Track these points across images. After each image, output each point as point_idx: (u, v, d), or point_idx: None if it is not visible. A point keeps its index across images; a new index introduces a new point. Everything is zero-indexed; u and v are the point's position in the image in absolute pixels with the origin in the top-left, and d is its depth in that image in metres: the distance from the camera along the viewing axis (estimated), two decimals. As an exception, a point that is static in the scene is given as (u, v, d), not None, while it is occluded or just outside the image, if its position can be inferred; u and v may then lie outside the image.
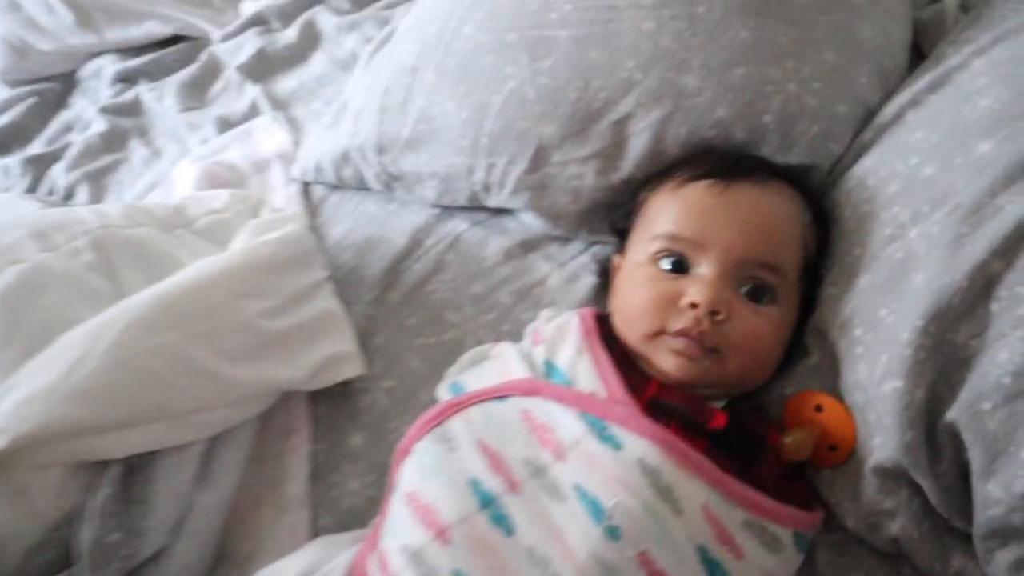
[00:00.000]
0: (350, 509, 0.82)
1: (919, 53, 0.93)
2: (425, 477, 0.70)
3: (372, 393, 0.89)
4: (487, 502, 0.67)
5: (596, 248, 0.94)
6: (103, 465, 0.76)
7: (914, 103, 0.81)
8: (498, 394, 0.74)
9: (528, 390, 0.74)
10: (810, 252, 0.80)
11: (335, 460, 0.86)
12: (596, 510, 0.65)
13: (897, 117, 0.81)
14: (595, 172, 0.87)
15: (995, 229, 0.66)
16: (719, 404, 0.76)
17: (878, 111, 0.84)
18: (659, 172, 0.85)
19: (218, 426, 0.81)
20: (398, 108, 0.97)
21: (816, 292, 0.81)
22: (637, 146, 0.85)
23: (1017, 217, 0.65)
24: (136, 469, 0.78)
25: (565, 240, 0.96)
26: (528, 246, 0.96)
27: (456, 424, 0.73)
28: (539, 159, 0.89)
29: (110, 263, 0.87)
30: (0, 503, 0.73)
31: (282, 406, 0.88)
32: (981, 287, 0.65)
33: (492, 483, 0.68)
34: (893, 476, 0.70)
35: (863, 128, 0.84)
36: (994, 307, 0.65)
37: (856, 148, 0.84)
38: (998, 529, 0.66)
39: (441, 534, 0.66)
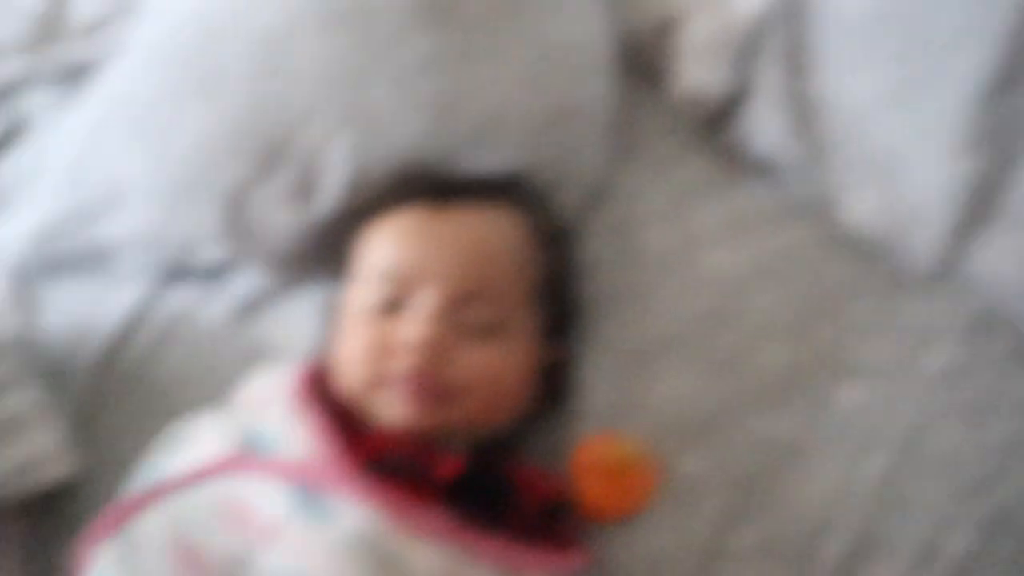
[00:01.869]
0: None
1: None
2: None
3: (89, 495, 0.77)
4: None
5: (323, 295, 0.84)
6: None
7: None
8: (192, 480, 0.63)
9: (227, 467, 0.63)
10: (544, 275, 0.73)
11: (52, 579, 0.74)
12: None
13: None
14: (295, 211, 0.79)
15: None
16: (457, 451, 0.67)
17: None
18: (373, 203, 0.77)
19: None
20: (85, 173, 0.87)
21: (566, 314, 0.75)
22: (333, 176, 0.78)
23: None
24: None
25: (296, 292, 0.86)
26: (254, 305, 0.86)
27: (142, 524, 0.61)
28: (234, 204, 0.80)
29: None
30: None
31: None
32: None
33: None
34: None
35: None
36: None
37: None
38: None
39: None
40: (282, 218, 0.80)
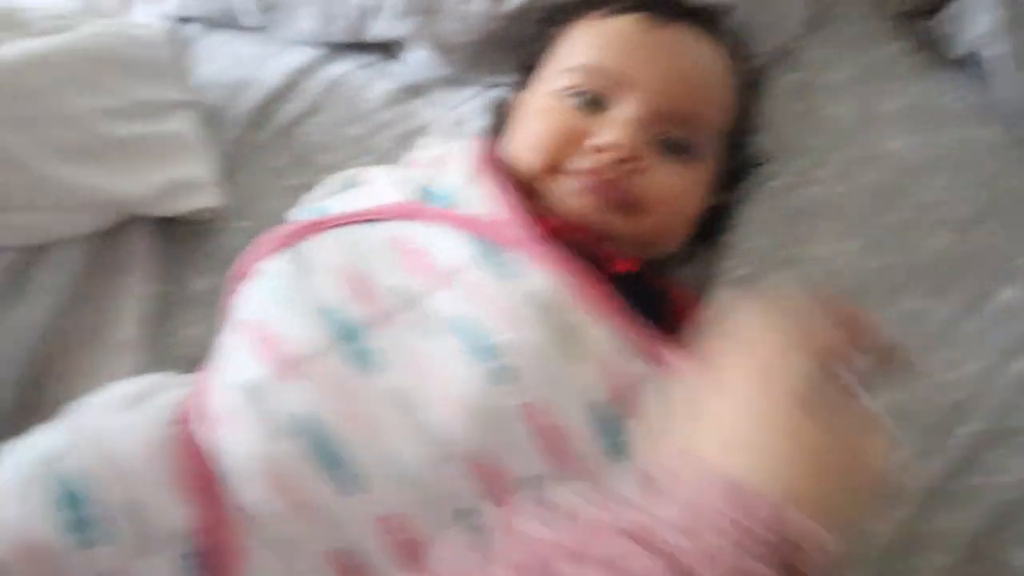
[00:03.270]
0: (189, 359, 0.70)
1: None
2: (271, 302, 0.59)
3: (226, 233, 0.79)
4: (348, 334, 0.56)
5: (490, 93, 0.84)
6: None
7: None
8: (368, 216, 0.64)
9: (404, 213, 0.63)
10: (734, 117, 0.72)
11: (176, 304, 0.76)
12: (480, 347, 0.55)
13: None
14: (488, -4, 0.78)
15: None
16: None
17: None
18: (576, 5, 0.75)
19: (35, 234, 0.69)
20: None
21: (742, 164, 0.74)
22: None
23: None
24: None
25: (457, 84, 0.86)
26: (415, 91, 0.86)
27: (313, 246, 0.62)
28: (427, -22, 0.80)
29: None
30: None
31: (121, 237, 0.76)
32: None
33: (355, 313, 0.57)
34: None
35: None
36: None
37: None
38: None
39: (288, 369, 0.54)
40: (478, 6, 0.79)
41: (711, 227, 0.73)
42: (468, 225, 0.61)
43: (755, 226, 0.73)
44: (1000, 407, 0.65)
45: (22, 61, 0.68)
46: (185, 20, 0.96)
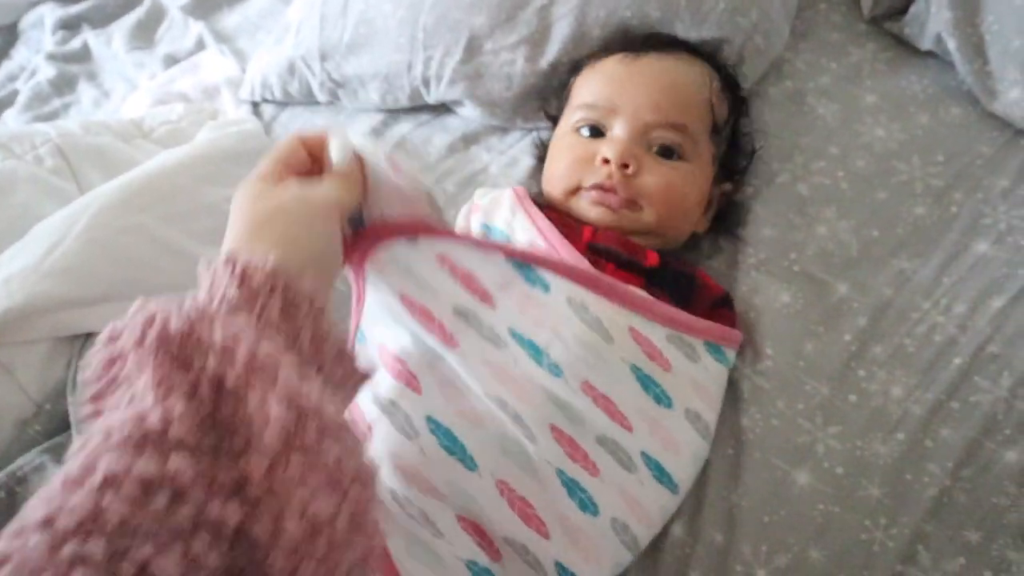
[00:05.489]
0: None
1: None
2: (381, 326, 0.72)
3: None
4: (436, 357, 0.69)
5: (534, 135, 1.00)
6: (85, 341, 0.82)
7: None
8: (413, 231, 0.69)
9: (459, 239, 0.72)
10: (720, 115, 0.87)
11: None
12: (535, 351, 0.70)
13: None
14: (524, 58, 0.94)
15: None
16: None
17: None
18: (587, 57, 0.91)
19: (192, 305, 0.87)
20: (338, 15, 1.04)
21: (735, 152, 0.90)
22: (561, 30, 0.93)
23: None
24: (116, 344, 0.83)
25: (504, 131, 1.03)
26: (469, 139, 1.03)
27: (375, 269, 0.68)
28: (472, 48, 0.96)
29: (72, 167, 0.92)
30: (-13, 381, 0.78)
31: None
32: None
33: (431, 338, 0.69)
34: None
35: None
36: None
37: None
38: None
39: (411, 383, 0.69)
40: (517, 66, 0.95)
41: (729, 221, 0.89)
42: (504, 249, 0.73)
43: (767, 217, 0.88)
44: (981, 340, 0.79)
45: (170, 168, 0.86)
46: (263, 102, 1.14)
